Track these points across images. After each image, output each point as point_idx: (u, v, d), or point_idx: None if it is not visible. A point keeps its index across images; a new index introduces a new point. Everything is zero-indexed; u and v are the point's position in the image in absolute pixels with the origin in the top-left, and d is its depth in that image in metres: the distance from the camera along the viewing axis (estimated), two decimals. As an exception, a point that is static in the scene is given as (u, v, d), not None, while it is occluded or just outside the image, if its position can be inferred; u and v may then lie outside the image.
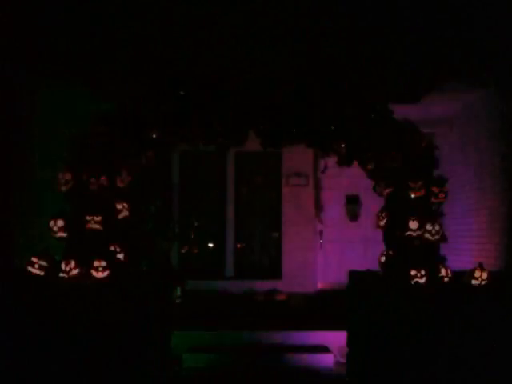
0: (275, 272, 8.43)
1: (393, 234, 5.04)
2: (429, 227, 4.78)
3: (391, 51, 5.55)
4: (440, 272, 4.67)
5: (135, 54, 5.57)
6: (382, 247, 5.15)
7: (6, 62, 5.55)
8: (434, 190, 5.00)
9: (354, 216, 8.46)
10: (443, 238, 4.94)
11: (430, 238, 4.77)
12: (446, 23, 5.03)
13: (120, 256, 4.93)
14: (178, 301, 7.26)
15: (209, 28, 5.17)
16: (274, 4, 4.77)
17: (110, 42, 5.40)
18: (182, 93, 5.24)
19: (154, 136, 5.21)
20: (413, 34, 5.25)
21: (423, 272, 4.56)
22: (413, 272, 4.56)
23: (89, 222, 4.81)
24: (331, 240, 8.57)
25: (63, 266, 4.66)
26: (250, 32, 5.21)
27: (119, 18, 5.01)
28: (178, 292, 7.32)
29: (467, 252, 7.05)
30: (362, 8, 4.84)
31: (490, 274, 4.62)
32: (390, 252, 4.99)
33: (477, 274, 4.60)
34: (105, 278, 4.61)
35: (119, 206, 5.07)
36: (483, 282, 4.57)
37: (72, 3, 4.79)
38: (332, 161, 5.85)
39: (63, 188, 4.99)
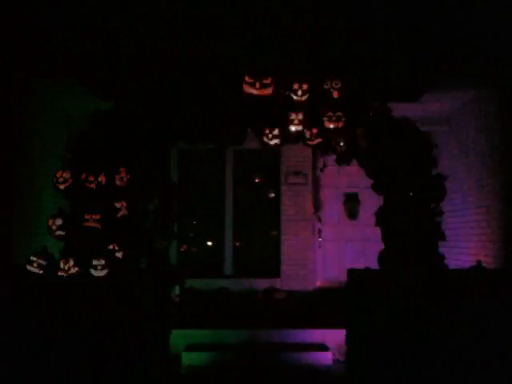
0: (274, 270, 8.43)
1: (391, 231, 5.05)
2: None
3: (391, 50, 5.55)
4: (439, 271, 4.69)
5: (135, 53, 5.57)
6: (381, 245, 5.16)
7: (5, 62, 5.54)
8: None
9: (353, 214, 8.47)
10: (441, 237, 4.95)
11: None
12: (445, 23, 5.03)
13: (119, 255, 4.93)
14: (176, 299, 7.26)
15: (209, 28, 5.17)
16: (274, 4, 4.77)
17: (110, 42, 5.39)
18: (181, 92, 5.24)
19: (153, 135, 5.21)
20: (412, 34, 5.25)
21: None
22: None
23: (87, 220, 4.81)
24: (330, 238, 8.57)
25: (62, 265, 4.67)
26: (250, 32, 5.21)
27: (118, 17, 5.00)
28: (177, 290, 7.32)
29: (466, 250, 7.06)
30: (362, 8, 4.84)
31: (488, 272, 4.64)
32: (388, 249, 5.01)
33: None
34: (104, 276, 4.61)
35: (118, 205, 5.07)
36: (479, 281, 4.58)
37: (71, 2, 4.78)
38: (331, 159, 5.86)
39: (62, 186, 5.00)
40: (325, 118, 5.19)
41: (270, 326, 6.60)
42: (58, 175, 5.00)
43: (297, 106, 5.24)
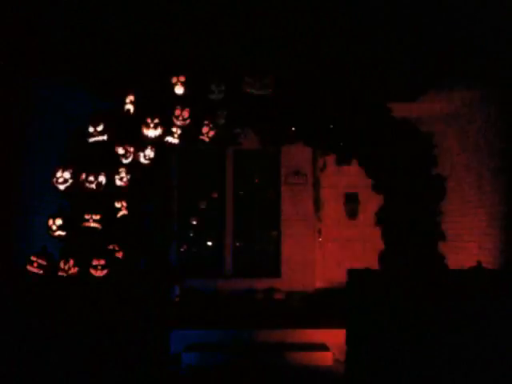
0: (274, 270, 8.44)
1: (391, 231, 5.05)
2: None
3: (390, 50, 5.55)
4: (439, 271, 4.69)
5: (135, 53, 5.57)
6: (381, 245, 5.16)
7: (5, 62, 5.54)
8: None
9: (352, 214, 8.47)
10: (442, 237, 4.95)
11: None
12: (445, 23, 5.02)
13: (119, 255, 4.93)
14: (176, 299, 7.27)
15: (209, 28, 5.17)
16: (274, 4, 4.77)
17: (110, 42, 5.39)
18: (180, 91, 5.24)
19: (153, 134, 5.21)
20: (413, 34, 5.25)
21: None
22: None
23: (88, 220, 4.81)
24: (330, 238, 8.57)
25: (62, 265, 4.66)
26: (250, 32, 5.21)
27: (118, 17, 5.00)
28: (177, 290, 7.32)
29: (466, 251, 7.06)
30: (362, 8, 4.84)
31: (488, 272, 4.63)
32: (389, 249, 5.01)
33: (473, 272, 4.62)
34: (104, 276, 4.61)
35: (118, 205, 5.07)
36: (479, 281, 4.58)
37: (71, 2, 4.78)
38: (331, 159, 5.86)
39: (62, 187, 4.99)
40: None
41: (270, 326, 6.60)
42: (58, 175, 4.99)
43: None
